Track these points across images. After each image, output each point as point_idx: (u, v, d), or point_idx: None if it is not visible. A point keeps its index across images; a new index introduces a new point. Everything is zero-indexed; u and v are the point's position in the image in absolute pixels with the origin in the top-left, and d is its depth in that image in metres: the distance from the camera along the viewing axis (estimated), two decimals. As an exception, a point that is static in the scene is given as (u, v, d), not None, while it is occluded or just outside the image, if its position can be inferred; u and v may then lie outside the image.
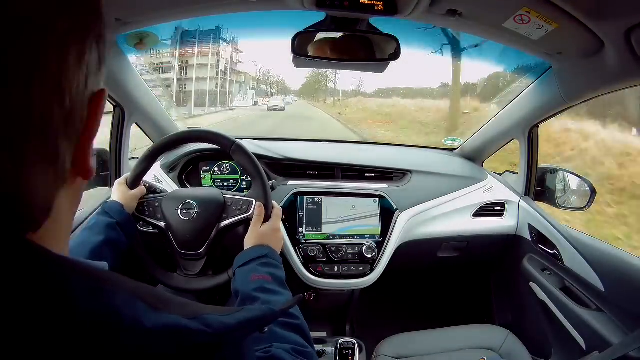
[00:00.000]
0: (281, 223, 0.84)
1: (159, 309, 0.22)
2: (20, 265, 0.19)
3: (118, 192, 0.84)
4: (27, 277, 0.18)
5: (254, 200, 0.85)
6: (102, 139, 1.17)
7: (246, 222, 0.84)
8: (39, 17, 0.19)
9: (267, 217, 0.82)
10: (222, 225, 0.85)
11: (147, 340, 0.21)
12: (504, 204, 1.32)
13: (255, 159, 0.88)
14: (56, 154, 0.21)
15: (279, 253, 0.76)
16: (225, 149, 0.89)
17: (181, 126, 1.41)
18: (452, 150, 1.55)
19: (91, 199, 1.10)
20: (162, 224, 0.86)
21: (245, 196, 0.87)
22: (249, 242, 0.76)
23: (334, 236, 1.12)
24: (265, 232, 0.78)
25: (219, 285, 0.85)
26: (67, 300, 0.19)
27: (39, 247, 0.20)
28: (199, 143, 1.10)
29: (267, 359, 0.41)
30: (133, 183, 0.88)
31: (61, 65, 0.20)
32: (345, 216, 1.15)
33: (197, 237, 0.84)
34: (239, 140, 0.90)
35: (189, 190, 0.90)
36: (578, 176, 1.22)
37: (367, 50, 0.84)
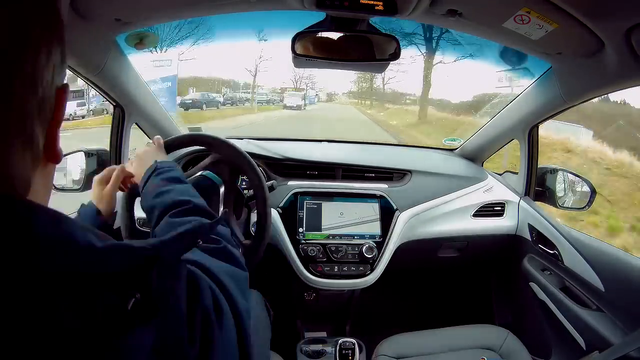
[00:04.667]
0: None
1: (107, 239, 0.26)
2: None
3: (94, 192, 0.74)
4: None
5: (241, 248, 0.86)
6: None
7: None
8: (18, 29, 0.23)
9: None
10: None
11: (98, 258, 0.24)
12: (504, 204, 1.32)
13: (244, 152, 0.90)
14: (31, 136, 0.25)
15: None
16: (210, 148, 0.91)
17: (181, 126, 1.40)
18: (452, 150, 1.55)
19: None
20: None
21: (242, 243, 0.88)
22: (136, 171, 0.73)
23: (334, 236, 1.12)
24: (139, 154, 0.76)
25: None
26: (30, 227, 0.23)
27: (7, 193, 0.24)
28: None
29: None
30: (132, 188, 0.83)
31: (35, 65, 0.24)
32: (345, 216, 1.15)
33: None
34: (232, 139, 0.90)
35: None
36: (578, 176, 1.22)
37: (367, 50, 0.84)
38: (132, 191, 0.79)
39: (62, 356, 0.21)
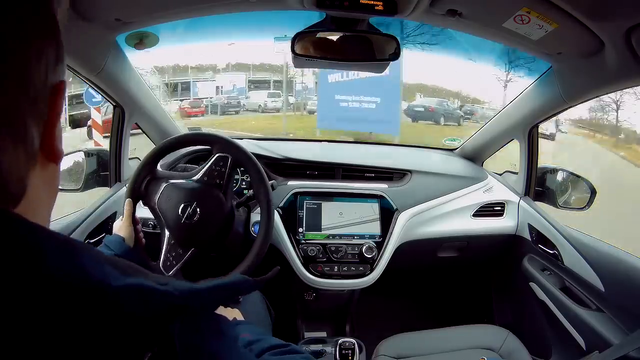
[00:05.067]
0: None
1: (128, 274, 0.23)
2: None
3: (118, 227, 0.86)
4: (1, 238, 0.20)
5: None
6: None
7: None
8: (6, 29, 0.22)
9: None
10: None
11: (112, 298, 0.21)
12: (504, 204, 1.32)
13: (250, 153, 0.90)
14: (25, 134, 0.24)
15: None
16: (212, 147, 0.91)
17: (180, 126, 1.40)
18: (452, 150, 1.55)
19: (91, 199, 1.10)
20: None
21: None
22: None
23: (333, 236, 1.12)
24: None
25: None
26: (36, 258, 0.20)
27: (13, 213, 0.22)
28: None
29: None
30: (132, 192, 0.88)
31: (23, 62, 0.24)
32: (345, 216, 1.15)
33: (192, 237, 0.85)
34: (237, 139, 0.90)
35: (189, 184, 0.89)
36: (578, 176, 1.22)
37: (367, 50, 0.84)
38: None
39: None
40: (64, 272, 0.20)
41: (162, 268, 0.86)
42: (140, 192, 0.89)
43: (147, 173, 0.89)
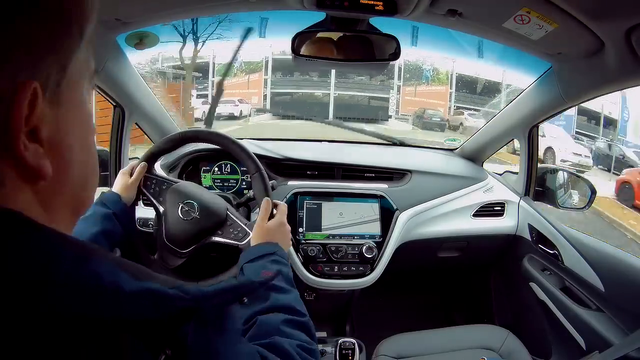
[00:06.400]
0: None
1: (140, 279, 0.23)
2: (8, 231, 0.20)
3: (118, 182, 0.86)
4: (14, 242, 0.19)
5: (250, 233, 0.84)
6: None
7: (235, 249, 0.84)
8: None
9: (271, 215, 0.81)
10: (211, 239, 0.84)
11: (125, 303, 0.21)
12: (504, 204, 1.32)
13: (254, 156, 0.89)
14: None
15: (288, 249, 0.76)
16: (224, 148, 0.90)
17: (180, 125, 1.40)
18: (452, 150, 1.55)
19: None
20: (161, 209, 0.87)
21: (247, 225, 0.87)
22: (256, 238, 0.75)
23: (333, 236, 1.12)
24: (272, 228, 0.76)
25: None
26: (50, 264, 0.20)
27: (26, 217, 0.21)
28: (199, 143, 1.10)
29: (267, 345, 0.41)
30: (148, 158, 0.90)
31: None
32: (345, 216, 1.15)
33: (187, 238, 0.84)
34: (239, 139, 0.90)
35: (198, 191, 0.89)
36: (578, 176, 1.23)
37: (367, 50, 0.84)
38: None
39: None
40: (79, 278, 0.21)
41: (160, 264, 0.86)
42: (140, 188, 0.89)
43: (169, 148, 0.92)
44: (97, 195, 0.97)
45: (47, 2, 0.22)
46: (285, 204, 0.85)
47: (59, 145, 0.24)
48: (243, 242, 0.84)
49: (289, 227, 0.79)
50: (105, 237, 0.73)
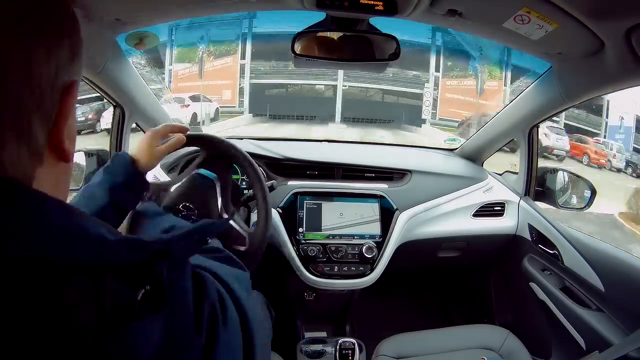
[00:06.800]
0: None
1: (118, 234, 0.27)
2: (6, 194, 0.22)
3: (143, 144, 0.70)
4: (7, 200, 0.22)
5: (247, 239, 0.85)
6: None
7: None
8: (10, 27, 0.23)
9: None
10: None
11: (109, 251, 0.25)
12: (504, 204, 1.32)
13: (262, 179, 0.89)
14: (29, 133, 0.25)
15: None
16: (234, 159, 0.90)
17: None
18: (452, 150, 1.55)
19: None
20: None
21: (247, 232, 0.87)
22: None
23: (333, 236, 1.12)
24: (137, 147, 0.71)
25: None
26: (41, 217, 0.23)
27: (17, 182, 0.24)
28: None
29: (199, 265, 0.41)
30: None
31: (29, 60, 0.24)
32: (345, 216, 1.15)
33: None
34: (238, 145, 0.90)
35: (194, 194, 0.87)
36: (578, 176, 1.23)
37: (367, 50, 0.84)
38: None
39: (71, 348, 0.22)
40: (66, 227, 0.24)
41: None
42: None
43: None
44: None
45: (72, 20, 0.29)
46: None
47: (71, 132, 0.29)
48: (242, 249, 0.84)
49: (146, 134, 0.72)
50: (114, 209, 0.64)
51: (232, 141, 0.92)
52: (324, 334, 1.35)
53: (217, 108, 7.84)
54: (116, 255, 0.25)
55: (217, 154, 0.92)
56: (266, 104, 8.26)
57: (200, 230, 0.33)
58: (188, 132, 0.89)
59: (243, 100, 8.21)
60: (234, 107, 8.14)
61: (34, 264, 0.21)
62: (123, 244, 0.26)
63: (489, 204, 1.30)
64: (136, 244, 0.27)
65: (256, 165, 0.90)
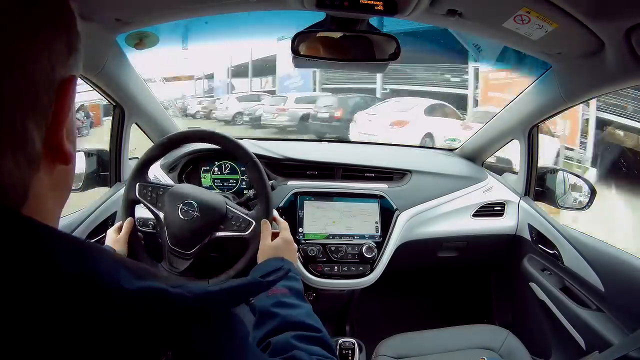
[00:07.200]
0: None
1: (143, 278, 0.23)
2: (7, 231, 0.20)
3: (109, 238, 0.86)
4: (13, 241, 0.19)
5: (254, 222, 0.85)
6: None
7: (240, 241, 0.85)
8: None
9: (273, 235, 0.81)
10: (216, 235, 0.85)
11: (125, 302, 0.21)
12: (503, 204, 1.32)
13: (265, 177, 0.89)
14: (25, 137, 0.22)
15: (296, 264, 0.76)
16: (240, 160, 0.92)
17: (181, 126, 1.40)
18: (452, 150, 1.55)
19: (91, 199, 1.10)
20: (161, 214, 0.87)
21: (248, 215, 0.87)
22: (262, 255, 0.75)
23: (333, 236, 1.12)
24: (279, 245, 0.77)
25: None
26: (50, 263, 0.20)
27: (26, 217, 0.21)
28: (200, 143, 1.09)
29: (287, 358, 0.40)
30: (139, 172, 0.90)
31: (26, 57, 0.22)
32: (345, 216, 1.15)
33: (190, 238, 0.85)
34: (243, 143, 0.90)
35: (195, 191, 0.89)
36: (578, 176, 1.23)
37: (367, 50, 0.84)
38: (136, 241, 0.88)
39: None
40: (76, 275, 0.20)
41: (167, 269, 0.86)
42: (135, 199, 0.90)
43: (138, 181, 0.90)
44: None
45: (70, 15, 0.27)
46: (286, 222, 0.85)
47: (71, 132, 0.26)
48: (247, 232, 0.84)
49: (295, 246, 0.79)
50: None
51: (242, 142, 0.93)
52: (323, 334, 1.34)
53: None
54: (134, 309, 0.21)
55: (217, 147, 0.92)
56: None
57: (245, 287, 0.29)
58: (200, 129, 0.92)
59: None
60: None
61: (38, 313, 0.19)
62: (141, 296, 0.21)
63: (488, 204, 1.30)
64: (160, 298, 0.22)
65: (265, 178, 0.91)
